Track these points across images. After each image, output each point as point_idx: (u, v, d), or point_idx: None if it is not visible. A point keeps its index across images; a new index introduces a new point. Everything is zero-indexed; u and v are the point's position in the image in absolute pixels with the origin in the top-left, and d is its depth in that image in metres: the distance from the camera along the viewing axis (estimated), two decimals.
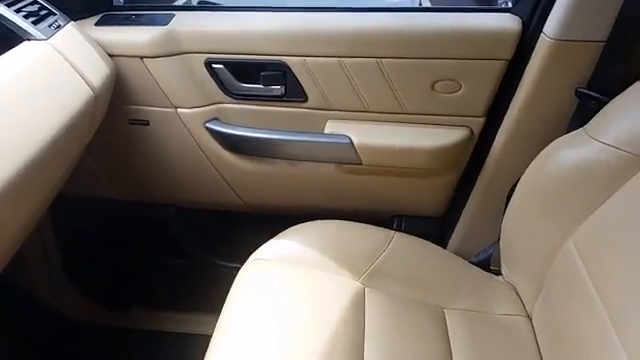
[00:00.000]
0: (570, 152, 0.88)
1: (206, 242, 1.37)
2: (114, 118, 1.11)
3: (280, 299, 0.92)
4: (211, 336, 0.87)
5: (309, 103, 1.10)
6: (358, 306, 0.92)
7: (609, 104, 0.87)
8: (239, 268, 0.98)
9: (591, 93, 0.93)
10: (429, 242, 1.11)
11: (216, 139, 1.15)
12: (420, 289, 0.98)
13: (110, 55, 1.04)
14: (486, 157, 1.09)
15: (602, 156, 0.82)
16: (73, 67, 0.89)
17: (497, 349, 0.91)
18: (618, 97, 0.86)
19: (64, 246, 1.35)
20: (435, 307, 0.96)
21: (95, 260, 1.39)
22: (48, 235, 1.31)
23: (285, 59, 1.06)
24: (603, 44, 0.90)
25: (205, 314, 1.25)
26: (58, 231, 1.32)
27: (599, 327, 0.73)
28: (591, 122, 0.88)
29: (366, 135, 1.10)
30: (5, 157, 0.71)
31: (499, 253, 1.05)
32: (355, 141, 1.09)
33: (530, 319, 0.96)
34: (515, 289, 1.01)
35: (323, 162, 1.14)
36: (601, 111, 0.88)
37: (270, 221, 1.11)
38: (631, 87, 0.85)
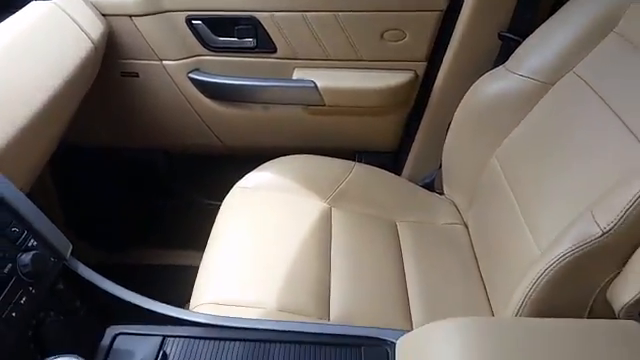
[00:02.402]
0: (493, 85, 1.04)
1: (192, 183, 1.47)
2: (107, 71, 1.21)
3: (260, 218, 1.06)
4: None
5: (278, 53, 1.22)
6: (326, 221, 1.07)
7: (522, 44, 1.03)
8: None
9: (510, 36, 1.09)
10: (385, 170, 1.25)
11: (198, 87, 1.26)
12: (377, 207, 1.14)
13: (103, 15, 1.15)
14: (429, 96, 1.24)
15: (517, 85, 0.99)
16: (76, 23, 1.02)
17: (439, 251, 1.07)
18: (529, 37, 1.02)
19: (62, 192, 1.42)
20: (389, 220, 1.12)
21: (91, 204, 1.47)
22: (47, 182, 1.38)
23: (255, 14, 1.17)
24: None
25: (195, 250, 1.28)
26: (56, 178, 1.39)
27: (514, 220, 0.90)
28: (510, 59, 1.04)
29: (328, 79, 1.23)
30: (23, 100, 0.84)
31: (441, 176, 1.21)
32: (319, 85, 1.22)
33: (466, 226, 1.13)
34: (454, 203, 1.18)
35: (292, 104, 1.27)
36: (517, 50, 1.04)
37: (248, 162, 1.20)
38: (538, 28, 1.01)
